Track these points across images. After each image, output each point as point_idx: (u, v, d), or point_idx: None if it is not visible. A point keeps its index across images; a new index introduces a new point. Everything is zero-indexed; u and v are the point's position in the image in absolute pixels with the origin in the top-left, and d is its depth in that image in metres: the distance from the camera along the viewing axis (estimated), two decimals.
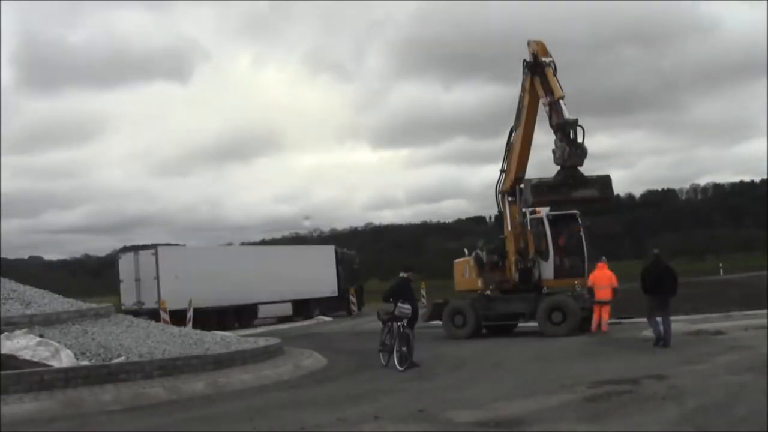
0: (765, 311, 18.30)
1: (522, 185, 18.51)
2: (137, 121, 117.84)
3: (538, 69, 18.25)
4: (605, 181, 17.87)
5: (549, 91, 17.82)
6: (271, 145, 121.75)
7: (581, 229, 18.97)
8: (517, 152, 18.98)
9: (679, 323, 17.92)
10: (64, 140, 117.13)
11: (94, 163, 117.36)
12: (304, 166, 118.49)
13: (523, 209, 18.87)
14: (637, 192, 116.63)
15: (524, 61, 18.75)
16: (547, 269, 18.55)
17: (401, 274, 14.04)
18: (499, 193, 19.52)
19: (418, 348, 13.65)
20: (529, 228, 18.94)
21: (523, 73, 18.86)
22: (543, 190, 17.57)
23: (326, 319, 31.92)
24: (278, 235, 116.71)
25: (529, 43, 18.70)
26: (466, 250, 20.76)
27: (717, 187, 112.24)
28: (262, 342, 15.38)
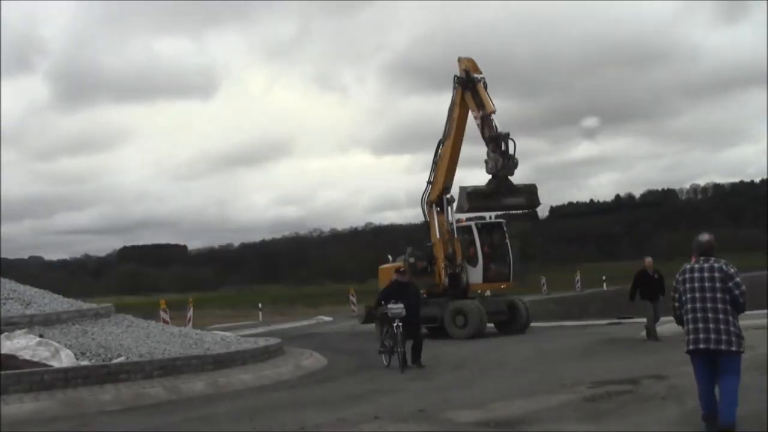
0: (765, 311, 18.29)
1: (448, 195, 19.86)
2: (162, 132, 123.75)
3: (469, 84, 19.24)
4: (532, 190, 19.60)
5: (481, 105, 18.83)
6: (281, 152, 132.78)
7: (507, 237, 20.13)
8: (446, 164, 19.94)
9: None
10: (92, 148, 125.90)
11: (115, 169, 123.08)
12: (311, 171, 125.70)
13: (450, 219, 20.01)
14: (637, 192, 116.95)
15: (455, 76, 19.64)
16: (475, 274, 19.59)
17: (394, 277, 13.99)
18: (426, 203, 20.44)
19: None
20: (456, 235, 19.83)
21: (453, 87, 19.76)
22: (478, 197, 18.89)
23: (326, 319, 31.93)
24: (278, 236, 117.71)
25: (460, 60, 19.66)
26: (390, 257, 21.96)
27: (717, 187, 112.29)
28: (262, 342, 15.37)
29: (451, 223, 19.95)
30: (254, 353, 13.79)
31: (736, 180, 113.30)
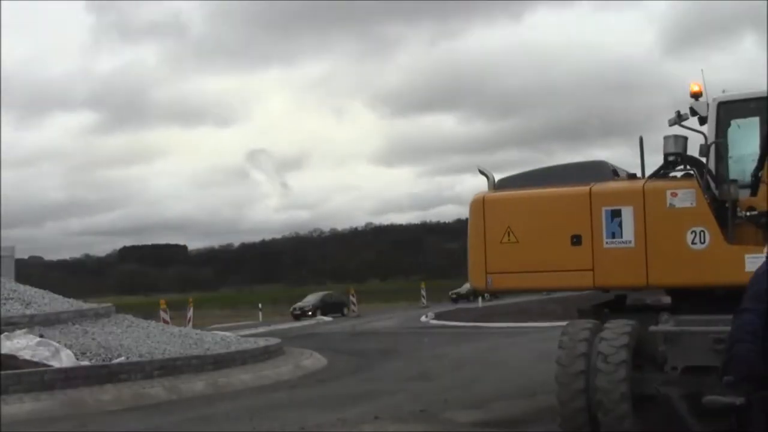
0: None
1: None
2: (194, 151, 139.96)
3: None
4: None
5: None
6: (296, 165, 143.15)
7: None
8: None
9: None
10: (128, 162, 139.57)
11: (142, 178, 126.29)
12: (320, 180, 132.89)
13: None
14: None
15: None
16: None
17: None
18: None
19: (419, 348, 13.65)
20: None
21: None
22: None
23: (326, 319, 31.96)
24: (278, 236, 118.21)
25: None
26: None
27: None
28: (262, 342, 15.38)
29: None
30: (254, 353, 13.79)
31: None
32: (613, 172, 7.25)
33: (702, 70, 7.27)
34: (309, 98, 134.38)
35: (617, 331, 6.47)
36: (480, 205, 7.37)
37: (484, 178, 7.55)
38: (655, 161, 7.08)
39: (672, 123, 7.10)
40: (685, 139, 6.94)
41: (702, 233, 6.52)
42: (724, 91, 6.98)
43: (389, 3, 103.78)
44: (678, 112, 7.04)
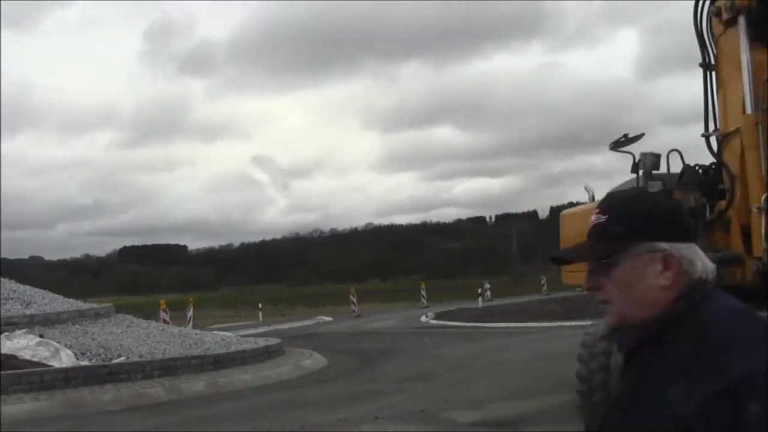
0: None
1: None
2: (211, 160, 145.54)
3: None
4: None
5: None
6: (301, 173, 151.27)
7: None
8: None
9: None
10: (151, 171, 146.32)
11: (162, 184, 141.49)
12: (326, 186, 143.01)
13: None
14: None
15: None
16: None
17: None
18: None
19: (419, 348, 13.65)
20: None
21: None
22: None
23: (326, 319, 31.95)
24: (278, 236, 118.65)
25: None
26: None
27: None
28: (262, 342, 15.38)
29: None
30: (254, 353, 13.79)
31: None
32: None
33: None
34: (319, 117, 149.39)
35: None
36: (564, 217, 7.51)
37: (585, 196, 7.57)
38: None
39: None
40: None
41: None
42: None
43: (398, 40, 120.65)
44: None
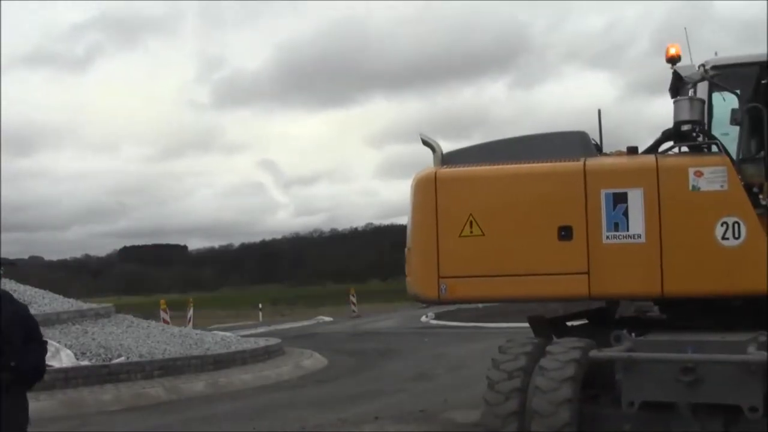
0: None
1: None
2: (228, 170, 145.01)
3: None
4: None
5: None
6: (305, 180, 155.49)
7: None
8: None
9: None
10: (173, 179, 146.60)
11: (181, 191, 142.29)
12: (330, 192, 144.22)
13: None
14: None
15: None
16: None
17: None
18: None
19: (419, 348, 13.63)
20: None
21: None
22: None
23: (326, 319, 31.95)
24: (278, 236, 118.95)
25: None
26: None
27: None
28: (262, 342, 15.38)
29: None
30: (254, 353, 13.79)
31: None
32: (596, 148, 5.70)
33: (685, 28, 6.26)
34: (326, 136, 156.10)
35: (563, 352, 5.20)
36: (430, 184, 5.61)
37: (429, 151, 5.84)
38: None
39: (673, 86, 5.79)
40: (703, 103, 5.55)
41: (736, 225, 5.07)
42: (716, 54, 5.86)
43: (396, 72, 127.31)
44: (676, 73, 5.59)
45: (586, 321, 6.53)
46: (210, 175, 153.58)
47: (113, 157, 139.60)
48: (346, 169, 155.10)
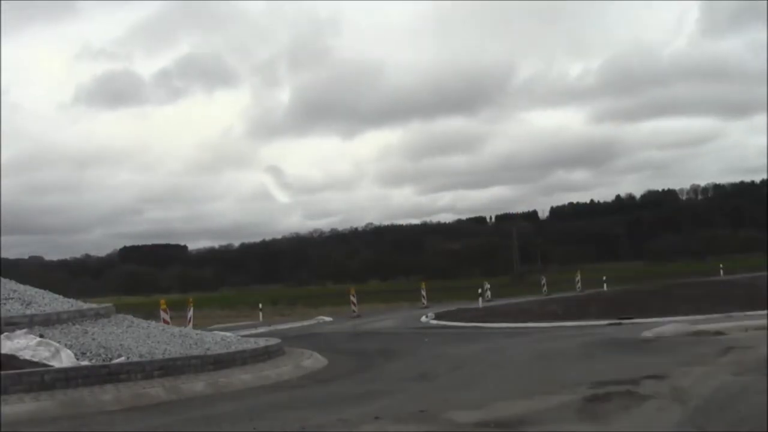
0: (765, 312, 18.30)
1: None
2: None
3: None
4: None
5: None
6: (311, 188, 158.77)
7: None
8: None
9: (680, 324, 17.93)
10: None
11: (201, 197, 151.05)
12: (334, 198, 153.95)
13: None
14: (638, 193, 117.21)
15: None
16: None
17: None
18: None
19: (419, 348, 13.64)
20: None
21: None
22: None
23: (326, 319, 31.95)
24: (278, 236, 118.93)
25: None
26: None
27: (717, 187, 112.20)
28: (262, 342, 15.37)
29: None
30: (254, 353, 13.79)
31: (737, 180, 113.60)
32: None
33: None
34: (336, 155, 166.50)
35: None
36: None
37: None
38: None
39: None
40: None
41: None
42: None
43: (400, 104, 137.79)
44: None
45: None
46: (230, 187, 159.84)
47: (148, 171, 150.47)
48: (351, 178, 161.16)
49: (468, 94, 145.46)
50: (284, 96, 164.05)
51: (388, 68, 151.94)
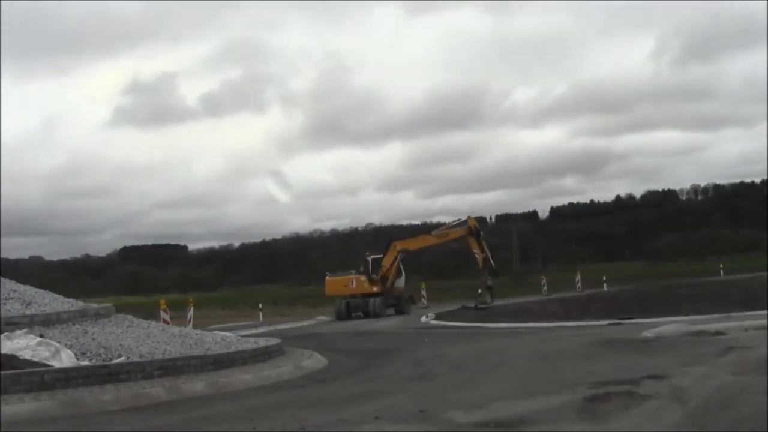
0: (765, 312, 18.30)
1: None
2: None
3: (475, 234, 34.19)
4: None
5: (482, 250, 34.18)
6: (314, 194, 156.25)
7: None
8: (425, 242, 35.69)
9: (680, 324, 17.92)
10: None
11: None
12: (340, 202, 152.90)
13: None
14: (638, 193, 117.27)
15: (468, 226, 34.44)
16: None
17: None
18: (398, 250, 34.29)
19: (419, 348, 13.65)
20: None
21: (463, 228, 34.54)
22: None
23: (326, 319, 31.96)
24: (279, 236, 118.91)
25: (470, 218, 35.00)
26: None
27: (717, 187, 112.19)
28: (262, 342, 15.37)
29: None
30: (254, 353, 13.79)
31: (737, 180, 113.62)
32: None
33: None
34: (344, 166, 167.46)
35: None
36: None
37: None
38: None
39: None
40: None
41: None
42: None
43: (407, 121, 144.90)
44: None
45: None
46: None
47: (170, 180, 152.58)
48: (357, 185, 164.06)
49: (465, 114, 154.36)
50: (302, 117, 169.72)
51: (395, 93, 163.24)
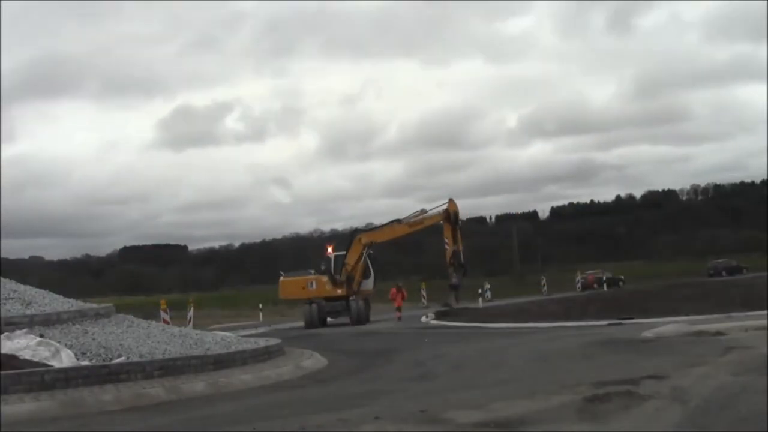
0: (765, 312, 18.30)
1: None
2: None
3: (453, 221, 30.46)
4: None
5: (456, 241, 30.38)
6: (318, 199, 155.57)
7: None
8: (394, 232, 30.76)
9: (680, 324, 17.92)
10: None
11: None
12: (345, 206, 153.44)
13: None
14: (638, 193, 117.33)
15: (446, 210, 30.41)
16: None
17: None
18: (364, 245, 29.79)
19: (419, 348, 13.65)
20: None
21: (440, 214, 30.44)
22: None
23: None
24: (279, 236, 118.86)
25: (451, 201, 30.89)
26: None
27: (717, 187, 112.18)
28: (262, 342, 15.38)
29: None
30: (254, 353, 13.79)
31: (737, 180, 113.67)
32: None
33: None
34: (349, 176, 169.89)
35: None
36: None
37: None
38: None
39: None
40: None
41: None
42: None
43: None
44: None
45: None
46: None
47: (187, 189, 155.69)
48: (361, 193, 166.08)
49: (460, 134, 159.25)
50: (317, 138, 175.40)
51: (397, 117, 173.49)
